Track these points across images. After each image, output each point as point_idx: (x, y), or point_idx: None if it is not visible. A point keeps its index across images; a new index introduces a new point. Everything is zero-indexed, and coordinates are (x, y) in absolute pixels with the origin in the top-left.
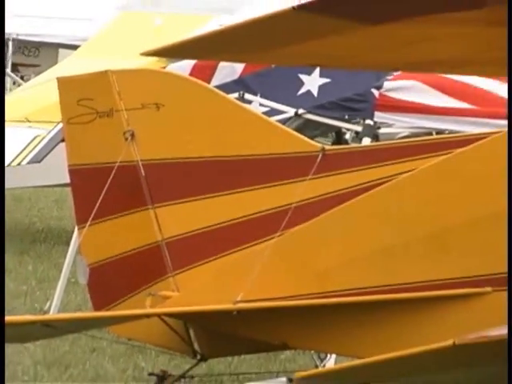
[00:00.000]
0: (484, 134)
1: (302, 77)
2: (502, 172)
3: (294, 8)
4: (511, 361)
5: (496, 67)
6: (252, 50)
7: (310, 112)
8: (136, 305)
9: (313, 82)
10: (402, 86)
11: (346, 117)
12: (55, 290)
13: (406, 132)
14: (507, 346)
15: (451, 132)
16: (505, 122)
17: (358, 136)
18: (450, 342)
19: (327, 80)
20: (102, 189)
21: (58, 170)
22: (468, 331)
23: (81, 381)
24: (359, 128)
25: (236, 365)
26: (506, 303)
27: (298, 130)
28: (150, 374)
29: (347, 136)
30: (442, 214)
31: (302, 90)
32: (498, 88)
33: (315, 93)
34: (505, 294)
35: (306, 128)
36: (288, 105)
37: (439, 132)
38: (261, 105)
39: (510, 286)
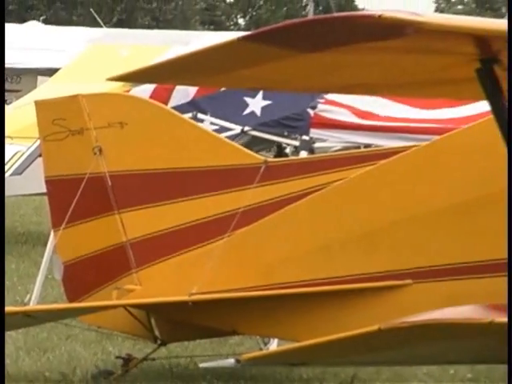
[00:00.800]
0: (403, 147)
1: (247, 99)
2: (420, 180)
3: (238, 39)
4: (511, 359)
5: (412, 89)
6: (203, 75)
7: (254, 129)
8: (104, 297)
9: (256, 103)
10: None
11: (286, 133)
12: (34, 285)
13: (338, 146)
14: (507, 345)
15: (376, 146)
16: (420, 137)
17: (296, 150)
18: (375, 327)
19: (269, 102)
20: (74, 197)
21: (36, 181)
22: (392, 318)
23: (57, 364)
24: (297, 143)
25: (192, 348)
26: (507, 304)
27: (244, 145)
28: (117, 357)
29: (287, 150)
30: (372, 216)
31: (247, 111)
32: (409, 110)
33: (258, 113)
34: (423, 286)
35: (252, 143)
36: (235, 123)
37: (366, 146)
38: (211, 123)
39: (510, 284)
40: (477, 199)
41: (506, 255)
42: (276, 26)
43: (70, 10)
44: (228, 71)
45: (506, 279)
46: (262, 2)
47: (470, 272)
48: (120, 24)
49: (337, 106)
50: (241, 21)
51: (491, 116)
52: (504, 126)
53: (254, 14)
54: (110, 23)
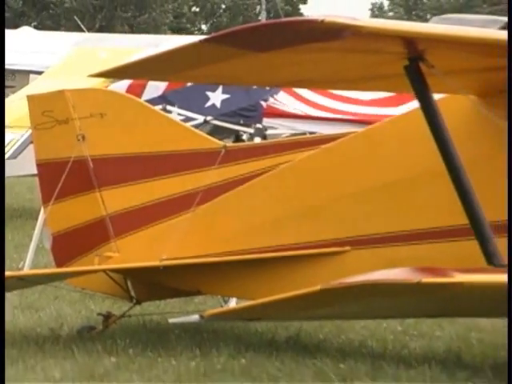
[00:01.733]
0: (342, 134)
1: (208, 93)
2: (357, 161)
3: (200, 41)
4: (511, 358)
5: (350, 84)
6: (171, 72)
7: (215, 119)
8: (87, 263)
9: (216, 96)
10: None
11: (242, 122)
12: (27, 253)
13: (287, 133)
14: (507, 346)
15: (320, 133)
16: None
17: (251, 136)
18: (318, 287)
19: (227, 95)
20: (61, 177)
21: (29, 163)
22: (333, 279)
23: (46, 320)
24: (252, 130)
25: (162, 306)
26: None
27: (207, 133)
28: (99, 314)
29: (244, 137)
30: (316, 193)
31: (209, 103)
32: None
33: (218, 105)
34: (360, 252)
35: (214, 131)
36: (198, 114)
37: (311, 133)
38: (178, 114)
39: (509, 283)
40: (406, 178)
41: (431, 225)
42: (232, 30)
43: (57, 17)
44: (192, 68)
45: (432, 245)
46: (221, 11)
47: (400, 240)
48: (101, 30)
49: (288, 98)
50: (204, 27)
51: (418, 107)
52: (428, 115)
53: (215, 20)
54: (92, 29)
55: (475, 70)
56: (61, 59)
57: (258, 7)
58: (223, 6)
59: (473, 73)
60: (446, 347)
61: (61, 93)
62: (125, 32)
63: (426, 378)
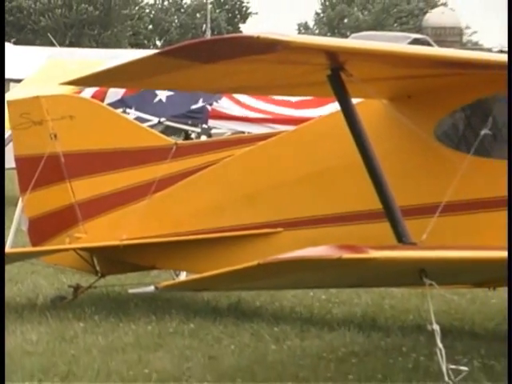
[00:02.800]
0: (273, 132)
1: (161, 95)
2: (287, 155)
3: (155, 54)
4: (511, 360)
5: (282, 90)
6: (130, 80)
7: (167, 120)
8: (59, 243)
9: (169, 100)
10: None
11: (190, 123)
12: (8, 235)
13: (228, 132)
14: (507, 345)
15: (256, 132)
16: (280, 127)
17: (198, 135)
18: (255, 263)
19: (178, 99)
20: (36, 170)
21: (9, 158)
22: (268, 255)
23: (25, 291)
24: (199, 130)
25: (123, 279)
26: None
27: (161, 132)
28: (69, 286)
29: (192, 135)
30: (253, 182)
31: (160, 104)
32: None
33: (171, 107)
34: (291, 232)
35: (166, 130)
36: (153, 115)
37: (248, 132)
38: (135, 116)
39: (510, 282)
40: (329, 169)
41: (350, 209)
42: (181, 45)
43: (33, 34)
44: (148, 77)
45: (351, 227)
46: (173, 29)
47: (324, 222)
48: (71, 45)
49: (229, 102)
50: (158, 42)
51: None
52: (347, 116)
53: (168, 37)
54: (63, 44)
55: (387, 78)
56: (36, 70)
57: (204, 26)
58: (174, 25)
59: (385, 81)
60: (363, 312)
61: (36, 98)
62: (91, 47)
63: (346, 338)
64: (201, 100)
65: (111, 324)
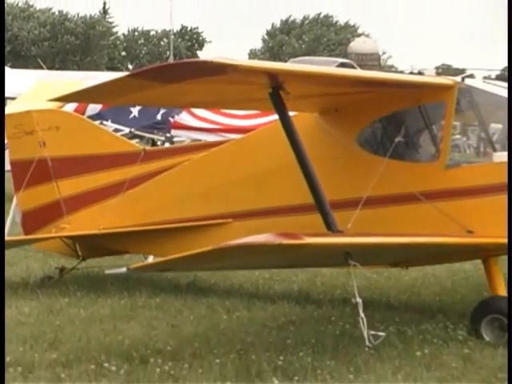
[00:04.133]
0: (224, 140)
1: (133, 110)
2: (236, 158)
3: (126, 76)
4: (511, 358)
5: (232, 105)
6: (105, 97)
7: (137, 130)
8: (47, 232)
9: (139, 114)
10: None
11: (156, 132)
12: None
13: (187, 140)
14: (507, 346)
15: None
16: (230, 135)
17: (163, 142)
18: (210, 247)
19: (147, 113)
20: (28, 172)
21: (6, 163)
22: (220, 242)
23: (19, 272)
24: (163, 138)
25: (101, 262)
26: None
27: (131, 139)
28: (56, 268)
29: (158, 143)
30: (208, 180)
31: (131, 116)
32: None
33: (139, 119)
34: (239, 222)
35: (136, 139)
36: (125, 126)
37: (204, 140)
38: (111, 127)
39: (509, 282)
40: (270, 170)
41: (288, 203)
42: (147, 68)
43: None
44: (121, 95)
45: (289, 217)
46: (142, 55)
47: (267, 213)
48: (57, 69)
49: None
50: (130, 66)
51: (279, 122)
52: (285, 126)
53: (138, 62)
54: (51, 68)
55: (318, 95)
56: (29, 89)
57: (168, 52)
58: (143, 52)
59: (316, 97)
60: (299, 288)
61: (28, 112)
62: (74, 70)
63: (285, 309)
64: (165, 113)
65: (91, 299)
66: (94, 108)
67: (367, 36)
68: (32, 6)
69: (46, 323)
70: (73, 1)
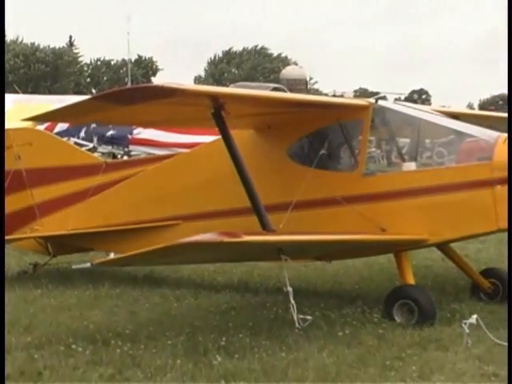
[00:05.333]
0: (174, 154)
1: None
2: (187, 167)
3: (89, 99)
4: (511, 358)
5: (181, 123)
6: (72, 117)
7: (99, 145)
8: (23, 233)
9: (101, 130)
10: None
11: (115, 147)
12: None
13: (143, 154)
14: (507, 346)
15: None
16: (179, 149)
17: (122, 156)
18: (162, 245)
19: (108, 129)
20: (6, 181)
21: None
22: (172, 240)
23: None
24: (122, 152)
25: (69, 258)
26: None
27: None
28: (30, 264)
29: (119, 156)
30: (162, 186)
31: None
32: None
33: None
34: (187, 224)
35: (104, 154)
36: (88, 141)
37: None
38: (75, 142)
39: (510, 282)
40: (214, 178)
41: (229, 206)
42: (105, 92)
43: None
44: (84, 115)
45: (230, 219)
46: (104, 81)
47: (211, 216)
48: (30, 93)
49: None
50: (93, 91)
51: (220, 137)
52: (226, 141)
53: (100, 87)
54: (25, 93)
55: (253, 114)
56: (6, 110)
57: (126, 79)
58: (105, 78)
59: (252, 116)
60: (239, 279)
61: (6, 131)
62: (45, 94)
63: (227, 297)
64: (123, 131)
65: (60, 290)
66: (61, 126)
67: (296, 64)
68: (6, 37)
69: (21, 311)
70: (42, 32)
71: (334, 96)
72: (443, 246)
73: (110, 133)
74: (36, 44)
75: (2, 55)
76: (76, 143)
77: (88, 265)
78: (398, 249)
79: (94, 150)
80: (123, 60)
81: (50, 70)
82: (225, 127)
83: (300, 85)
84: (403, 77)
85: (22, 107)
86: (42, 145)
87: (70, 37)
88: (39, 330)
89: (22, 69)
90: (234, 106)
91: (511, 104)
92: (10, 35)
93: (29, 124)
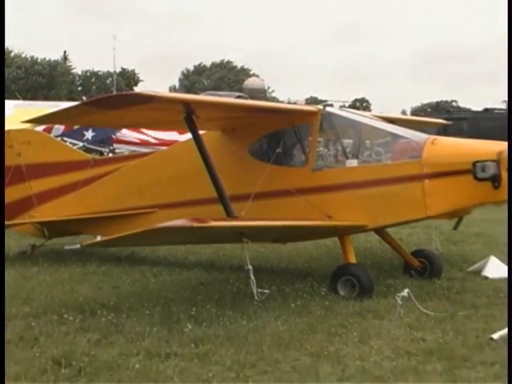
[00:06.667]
0: (154, 150)
1: (84, 132)
2: (162, 163)
3: (79, 104)
4: (511, 358)
5: (159, 125)
6: (65, 120)
7: (89, 144)
8: (22, 219)
9: (89, 132)
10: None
11: (102, 146)
12: None
13: (126, 152)
14: (507, 346)
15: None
16: (156, 147)
17: (107, 153)
18: (142, 229)
19: (94, 132)
20: (8, 175)
21: None
22: (150, 225)
23: None
24: (107, 150)
25: (62, 240)
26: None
27: (85, 151)
28: (29, 245)
29: (105, 154)
30: (140, 180)
31: (86, 136)
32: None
33: (89, 136)
34: (163, 211)
35: (88, 151)
36: (79, 141)
37: (138, 151)
38: (70, 142)
39: (510, 283)
40: (186, 172)
41: (199, 196)
42: (94, 99)
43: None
44: (76, 118)
45: (200, 207)
46: (93, 89)
47: (184, 205)
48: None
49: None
50: (84, 98)
51: (192, 138)
52: (196, 141)
53: (90, 95)
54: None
55: (220, 118)
56: (8, 114)
57: (112, 87)
58: (94, 87)
59: (219, 120)
60: (207, 258)
61: (8, 131)
62: (42, 100)
63: (197, 274)
64: (108, 132)
65: (54, 268)
66: (57, 129)
67: (257, 76)
68: (12, 52)
69: (20, 286)
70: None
71: (289, 103)
72: (380, 231)
73: (90, 134)
74: (35, 57)
75: (2, 62)
76: (70, 143)
77: (78, 246)
78: (341, 233)
79: (83, 148)
80: (109, 72)
81: (47, 80)
82: (195, 129)
83: (260, 93)
84: (347, 88)
85: (22, 112)
86: (38, 143)
87: (65, 52)
88: (36, 302)
89: (23, 79)
90: (203, 111)
91: (511, 105)
92: (14, 50)
93: (28, 126)
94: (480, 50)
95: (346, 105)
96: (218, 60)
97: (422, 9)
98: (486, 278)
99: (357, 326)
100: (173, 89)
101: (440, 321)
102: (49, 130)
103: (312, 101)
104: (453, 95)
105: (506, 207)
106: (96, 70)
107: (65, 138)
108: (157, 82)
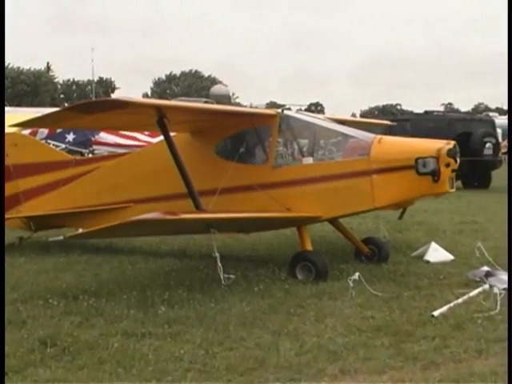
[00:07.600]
0: (128, 152)
1: (66, 134)
2: (139, 161)
3: (62, 109)
4: (511, 357)
5: (135, 128)
6: (49, 124)
7: (71, 146)
8: (10, 214)
9: (71, 135)
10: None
11: (82, 147)
12: None
13: (104, 152)
14: (507, 346)
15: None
16: (133, 148)
17: (88, 154)
18: (118, 222)
19: (75, 135)
20: None
21: None
22: (125, 218)
23: None
24: (87, 151)
25: (46, 233)
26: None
27: (67, 152)
28: (17, 237)
29: (85, 155)
30: (117, 178)
31: (68, 138)
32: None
33: (71, 139)
34: (138, 206)
35: (71, 152)
36: (62, 143)
37: (115, 151)
38: (53, 144)
39: (510, 284)
40: (158, 169)
41: (170, 192)
42: (73, 105)
43: None
44: (59, 122)
45: (171, 202)
46: (74, 97)
47: (156, 200)
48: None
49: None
50: (66, 104)
51: (163, 140)
52: (168, 142)
53: (71, 101)
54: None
55: (189, 121)
56: None
57: (91, 95)
58: (75, 95)
59: (188, 123)
60: (179, 248)
61: None
62: (28, 107)
63: (170, 262)
64: (88, 134)
65: (40, 258)
66: (42, 132)
67: (222, 84)
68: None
69: (9, 274)
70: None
71: (251, 107)
72: (333, 221)
73: (71, 137)
74: (20, 68)
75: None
76: (53, 145)
77: (61, 238)
78: (299, 223)
79: (65, 149)
80: (88, 80)
81: (31, 89)
82: (166, 131)
83: (225, 99)
84: (303, 93)
85: (9, 117)
86: (24, 145)
87: (48, 62)
88: (23, 289)
89: (10, 89)
90: (173, 114)
91: (511, 105)
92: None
93: (15, 129)
94: (422, 58)
95: (303, 108)
96: (187, 69)
97: (369, 21)
98: (428, 261)
99: (313, 306)
100: (146, 95)
101: (387, 301)
102: (34, 134)
103: (272, 105)
104: (397, 99)
105: (445, 198)
106: (76, 79)
107: (48, 141)
108: (131, 89)
